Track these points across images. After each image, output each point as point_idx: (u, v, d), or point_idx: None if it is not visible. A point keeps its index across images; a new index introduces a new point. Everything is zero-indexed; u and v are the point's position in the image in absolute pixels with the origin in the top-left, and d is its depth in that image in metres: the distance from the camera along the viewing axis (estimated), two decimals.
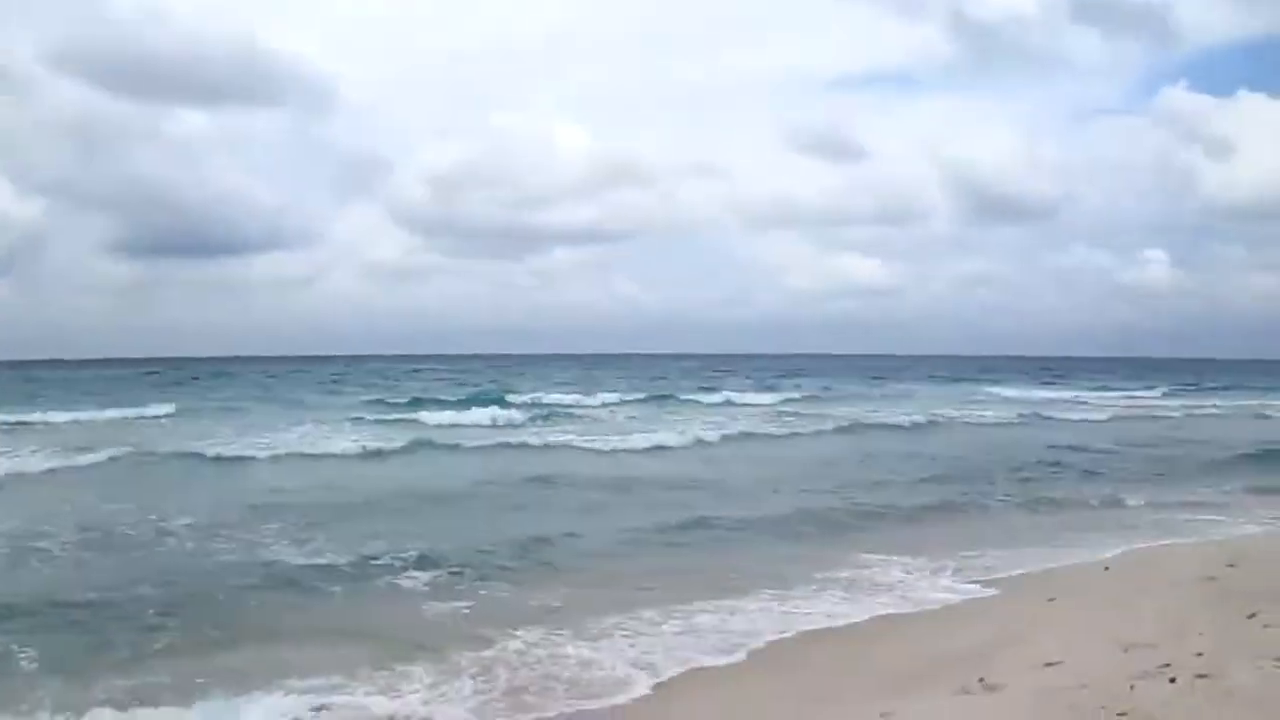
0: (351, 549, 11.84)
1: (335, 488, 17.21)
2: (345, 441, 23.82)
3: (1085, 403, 46.16)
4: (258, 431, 25.73)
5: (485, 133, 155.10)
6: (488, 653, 8.14)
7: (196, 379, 60.60)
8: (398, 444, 23.55)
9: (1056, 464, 21.25)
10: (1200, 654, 6.53)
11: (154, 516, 13.79)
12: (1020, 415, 36.49)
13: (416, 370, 76.92)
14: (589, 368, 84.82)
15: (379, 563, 11.22)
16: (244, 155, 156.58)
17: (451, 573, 10.80)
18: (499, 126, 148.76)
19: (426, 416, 31.58)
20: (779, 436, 28.01)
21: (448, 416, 31.49)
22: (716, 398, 44.04)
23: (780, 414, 35.82)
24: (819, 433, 29.08)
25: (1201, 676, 6.01)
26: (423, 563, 11.09)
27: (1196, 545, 12.19)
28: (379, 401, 38.55)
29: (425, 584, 10.48)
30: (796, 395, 46.50)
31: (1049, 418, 36.09)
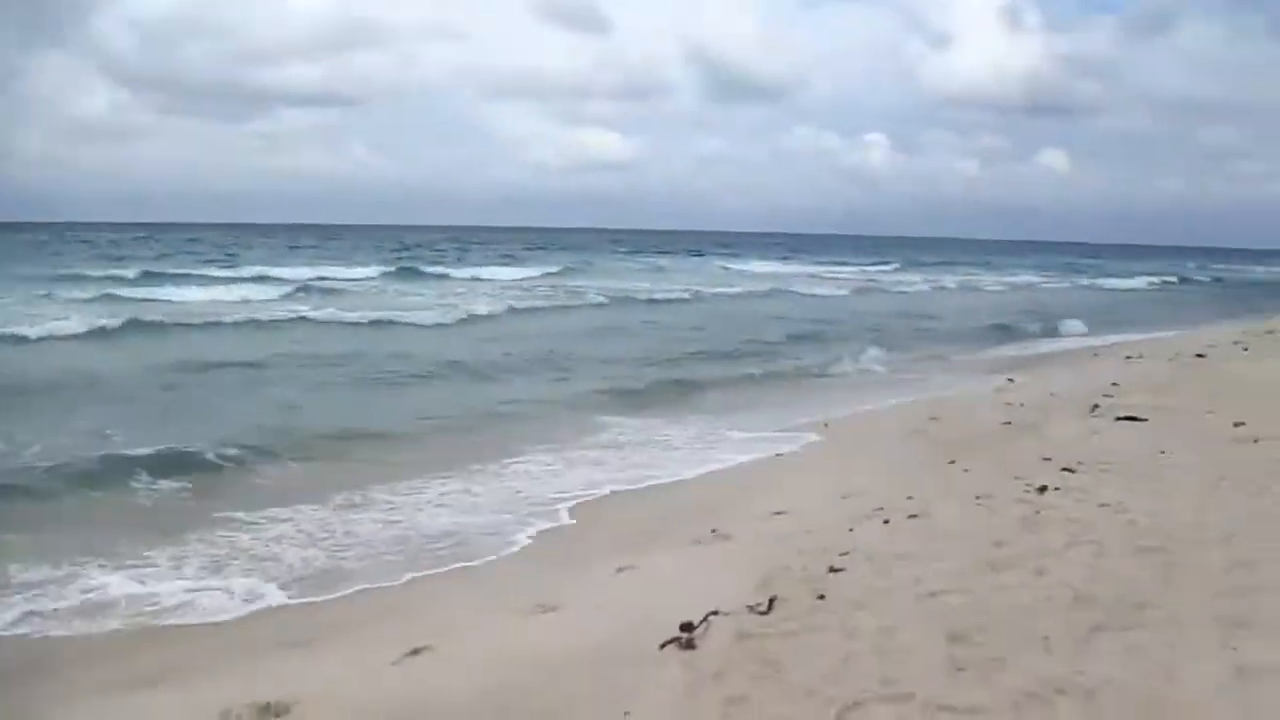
0: (60, 439, 10.28)
1: (43, 372, 15.03)
2: (53, 320, 20.86)
3: (825, 277, 48.79)
4: None
5: None
6: (268, 531, 7.65)
7: None
8: (118, 321, 20.94)
9: (799, 336, 22.32)
10: (910, 497, 7.07)
11: None
12: (771, 289, 38.18)
13: (136, 239, 70.18)
14: (326, 239, 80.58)
15: (98, 454, 9.67)
16: None
17: (196, 461, 9.54)
18: None
19: (157, 291, 28.75)
20: (545, 310, 27.84)
21: (189, 292, 28.71)
22: (470, 271, 43.07)
23: (543, 289, 35.50)
24: (586, 306, 29.35)
25: (912, 516, 6.56)
26: (158, 454, 9.54)
27: (905, 404, 13.17)
28: (78, 277, 33.60)
29: (155, 474, 9.11)
30: (554, 269, 46.42)
31: (793, 291, 37.95)
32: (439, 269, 44.19)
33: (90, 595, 6.34)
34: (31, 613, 6.06)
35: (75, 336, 19.23)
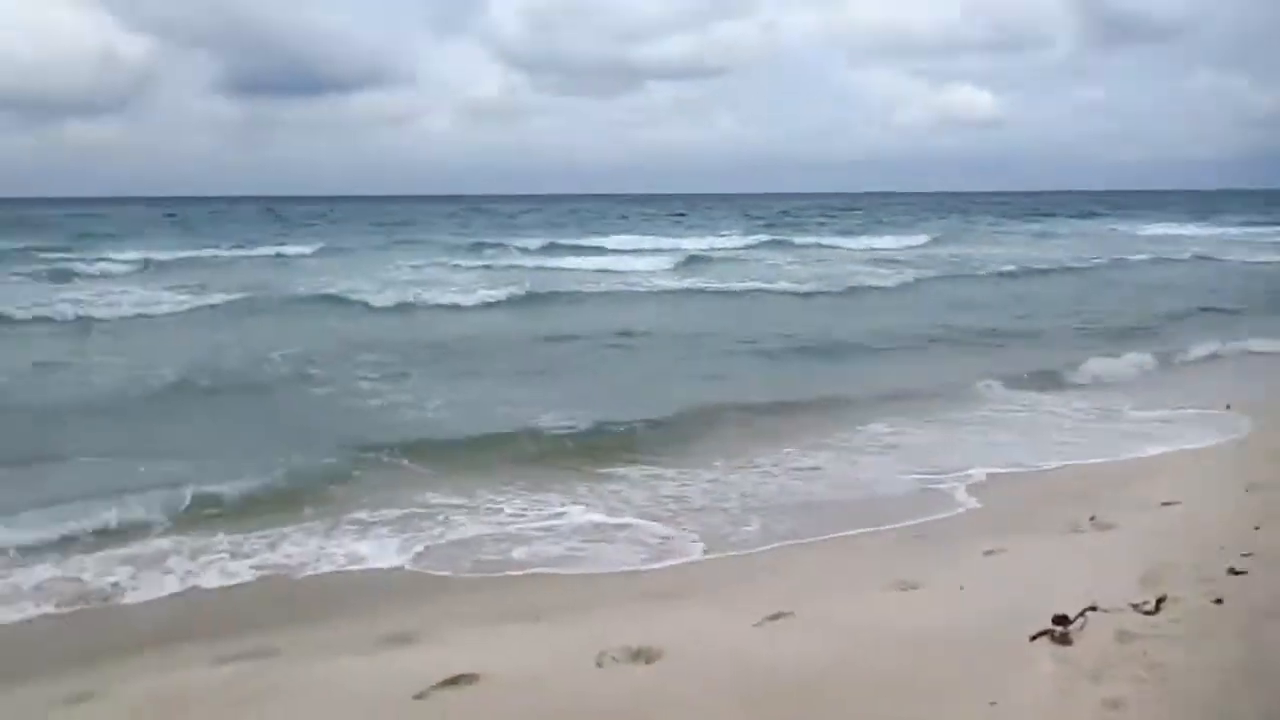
0: (464, 397, 11.43)
1: (458, 336, 16.39)
2: (482, 289, 22.87)
3: (1245, 241, 43.14)
4: (403, 274, 26.38)
5: None
6: (659, 490, 8.21)
7: (337, 221, 61.62)
8: (522, 291, 22.53)
9: (1218, 309, 19.86)
10: None
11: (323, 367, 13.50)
12: (1192, 255, 34.53)
13: (527, 211, 77.04)
14: (694, 208, 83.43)
15: (505, 410, 10.61)
16: None
17: (594, 423, 9.94)
18: None
19: (557, 260, 31.77)
20: (928, 280, 26.48)
21: (584, 261, 31.36)
22: (845, 241, 42.55)
23: (919, 259, 33.96)
24: (992, 274, 27.97)
25: None
26: (558, 414, 10.22)
27: None
28: (482, 246, 38.06)
29: (559, 433, 9.73)
30: (934, 235, 45.10)
31: (1216, 258, 33.66)
32: (810, 238, 44.34)
33: (485, 536, 7.08)
34: (428, 548, 6.86)
35: (491, 305, 20.95)
